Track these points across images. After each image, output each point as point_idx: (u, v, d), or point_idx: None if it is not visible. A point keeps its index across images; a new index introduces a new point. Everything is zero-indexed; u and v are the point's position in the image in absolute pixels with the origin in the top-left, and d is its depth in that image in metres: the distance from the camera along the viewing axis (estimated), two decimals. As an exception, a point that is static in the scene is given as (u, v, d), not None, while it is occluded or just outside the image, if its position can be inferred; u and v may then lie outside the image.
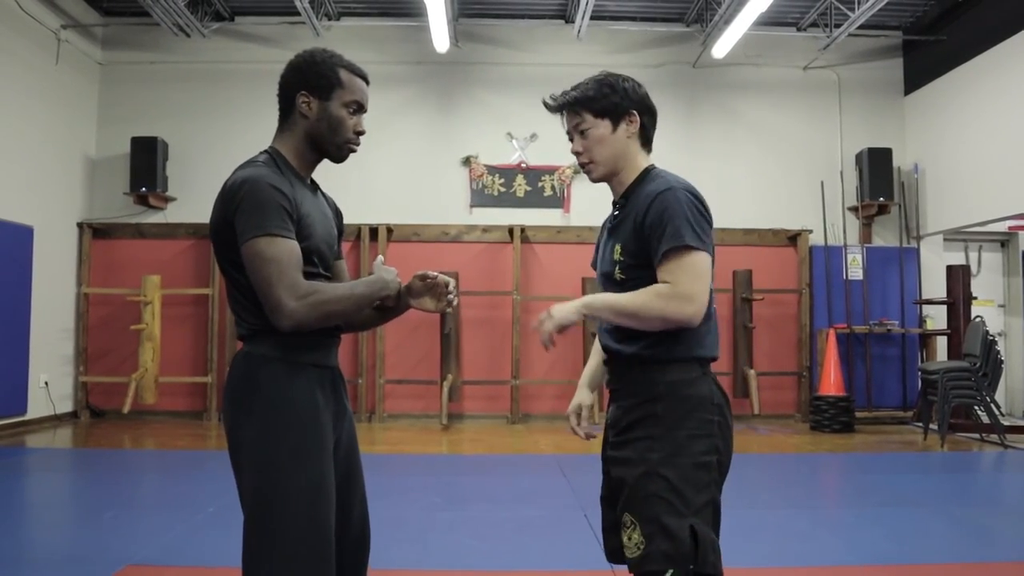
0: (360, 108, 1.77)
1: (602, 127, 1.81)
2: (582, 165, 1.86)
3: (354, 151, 1.81)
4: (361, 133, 1.79)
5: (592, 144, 1.82)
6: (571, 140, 1.87)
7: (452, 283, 1.84)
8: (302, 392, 1.67)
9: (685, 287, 1.67)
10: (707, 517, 1.68)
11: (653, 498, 1.66)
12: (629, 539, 1.67)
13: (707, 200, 1.80)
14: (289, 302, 1.57)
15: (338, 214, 1.93)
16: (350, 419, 1.84)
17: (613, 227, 1.85)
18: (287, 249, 1.60)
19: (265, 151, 1.76)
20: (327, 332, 1.75)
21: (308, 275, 1.66)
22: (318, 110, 1.74)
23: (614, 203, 1.88)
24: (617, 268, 1.79)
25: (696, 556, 1.63)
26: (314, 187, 1.84)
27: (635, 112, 1.82)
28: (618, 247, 1.79)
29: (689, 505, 1.66)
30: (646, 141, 1.86)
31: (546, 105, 1.89)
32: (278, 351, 1.67)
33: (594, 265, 1.97)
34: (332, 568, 1.65)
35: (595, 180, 1.87)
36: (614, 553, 1.79)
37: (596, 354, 2.01)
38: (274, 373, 1.67)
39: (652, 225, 1.71)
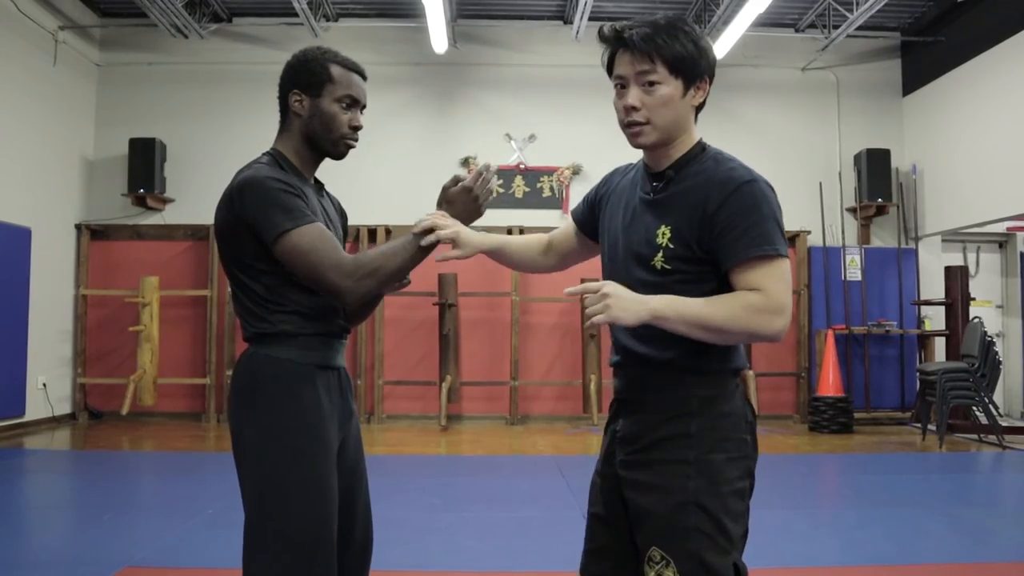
0: (354, 102, 1.76)
1: (673, 86, 1.50)
2: (630, 124, 1.52)
3: (352, 146, 1.79)
4: (357, 128, 1.77)
5: (656, 103, 1.49)
6: (621, 87, 1.53)
7: (490, 168, 1.78)
8: (306, 393, 1.67)
9: (778, 299, 1.43)
10: (743, 548, 1.51)
11: (693, 533, 1.44)
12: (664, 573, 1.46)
13: None
14: (343, 282, 1.58)
15: (343, 215, 1.93)
16: (356, 420, 1.83)
17: (653, 202, 1.55)
18: (317, 234, 1.60)
19: (267, 153, 1.77)
20: (334, 332, 1.74)
21: None
22: (310, 107, 1.73)
23: (651, 173, 1.58)
24: (661, 255, 1.50)
25: None
26: (319, 187, 1.85)
27: (708, 79, 1.54)
28: (665, 229, 1.50)
29: (731, 540, 1.46)
30: (698, 113, 1.59)
31: (601, 35, 1.54)
32: (283, 352, 1.67)
33: (609, 239, 1.65)
34: (333, 569, 1.64)
35: (639, 146, 1.55)
36: None
37: (523, 241, 1.85)
38: (279, 374, 1.66)
39: (733, 220, 1.44)
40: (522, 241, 1.89)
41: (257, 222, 1.61)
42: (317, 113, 1.73)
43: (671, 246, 1.49)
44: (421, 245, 1.67)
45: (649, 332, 1.48)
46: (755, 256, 1.44)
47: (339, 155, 1.79)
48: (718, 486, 1.46)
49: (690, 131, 1.56)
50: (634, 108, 1.51)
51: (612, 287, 1.45)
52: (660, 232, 1.51)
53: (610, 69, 1.57)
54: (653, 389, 1.53)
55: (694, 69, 1.51)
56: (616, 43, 1.52)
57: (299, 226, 1.59)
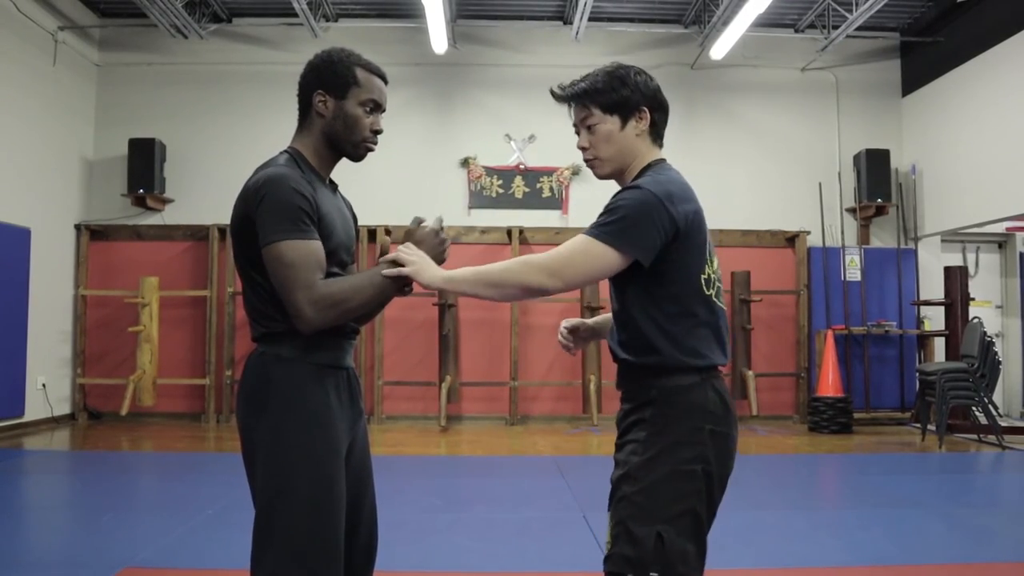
0: (377, 106, 1.78)
1: (610, 123, 1.75)
2: (587, 161, 1.81)
3: (371, 149, 1.81)
4: (378, 132, 1.79)
5: (599, 140, 1.76)
6: (577, 133, 1.82)
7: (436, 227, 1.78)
8: (316, 394, 1.67)
9: (557, 259, 1.64)
10: (683, 527, 1.62)
11: (625, 501, 1.64)
12: (607, 538, 1.68)
13: (703, 201, 1.73)
14: (306, 307, 1.59)
15: (354, 217, 1.93)
16: (364, 422, 1.84)
17: None
18: (306, 251, 1.60)
19: (285, 151, 1.76)
20: (344, 332, 1.75)
21: (328, 275, 1.66)
22: (334, 109, 1.74)
23: None
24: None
25: (661, 564, 1.58)
26: (333, 187, 1.86)
27: (645, 108, 1.75)
28: None
29: (659, 512, 1.61)
30: (657, 137, 1.80)
31: (553, 94, 1.81)
32: (294, 352, 1.67)
33: None
34: (340, 570, 1.65)
35: (601, 177, 1.82)
36: None
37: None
38: (289, 374, 1.66)
39: (604, 210, 1.69)
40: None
41: (258, 222, 1.62)
42: (341, 115, 1.74)
43: None
44: (383, 274, 1.67)
45: (620, 339, 1.74)
46: (586, 233, 1.65)
47: (358, 157, 1.81)
48: (658, 462, 1.64)
49: (642, 156, 1.78)
50: (584, 148, 1.79)
51: (423, 255, 1.70)
52: None
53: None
54: (626, 384, 1.78)
55: (626, 105, 1.75)
56: (563, 100, 1.81)
57: (289, 239, 1.60)
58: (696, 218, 1.69)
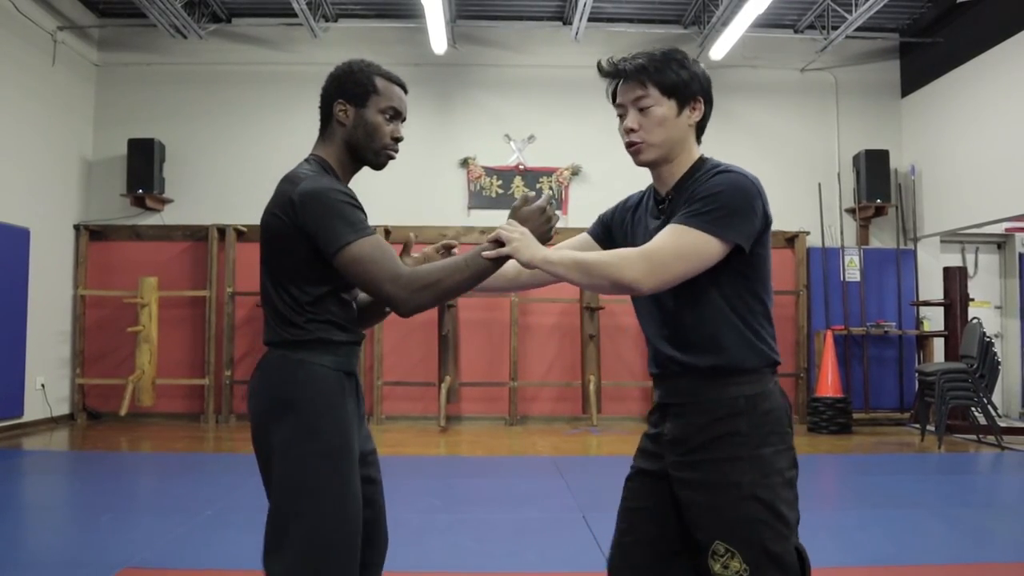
0: (396, 114, 1.81)
1: (666, 107, 1.63)
2: (631, 144, 1.66)
3: (392, 157, 1.84)
4: (399, 139, 1.82)
5: (651, 124, 1.63)
6: (621, 116, 1.68)
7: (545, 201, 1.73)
8: (335, 397, 1.71)
9: (650, 253, 1.53)
10: (797, 535, 1.59)
11: (755, 524, 1.53)
12: (725, 567, 1.53)
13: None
14: (400, 293, 1.62)
15: None
16: (366, 424, 1.90)
17: (662, 224, 1.65)
18: (378, 244, 1.65)
19: (311, 160, 1.80)
20: (357, 341, 1.79)
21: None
22: (354, 117, 1.78)
23: (658, 195, 1.72)
24: None
25: None
26: None
27: (701, 99, 1.66)
28: None
29: (789, 526, 1.55)
30: (700, 132, 1.70)
31: (600, 69, 1.68)
32: (317, 358, 1.70)
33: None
34: (356, 570, 1.68)
35: (642, 163, 1.68)
36: (636, 569, 1.69)
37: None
38: (313, 379, 1.69)
39: (694, 197, 1.57)
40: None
41: (320, 233, 1.64)
42: (361, 123, 1.78)
43: None
44: (484, 255, 1.66)
45: (688, 340, 1.60)
46: (676, 222, 1.55)
47: (380, 165, 1.84)
48: (770, 477, 1.55)
49: (689, 150, 1.68)
50: (632, 130, 1.65)
51: (527, 231, 1.62)
52: None
53: (614, 99, 1.71)
54: (699, 393, 1.61)
55: (686, 91, 1.64)
56: (614, 75, 1.67)
57: (360, 238, 1.63)
58: (770, 217, 1.64)
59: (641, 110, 1.64)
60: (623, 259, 1.54)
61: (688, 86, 1.64)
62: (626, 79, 1.65)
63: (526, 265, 1.61)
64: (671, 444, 1.63)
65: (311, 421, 1.67)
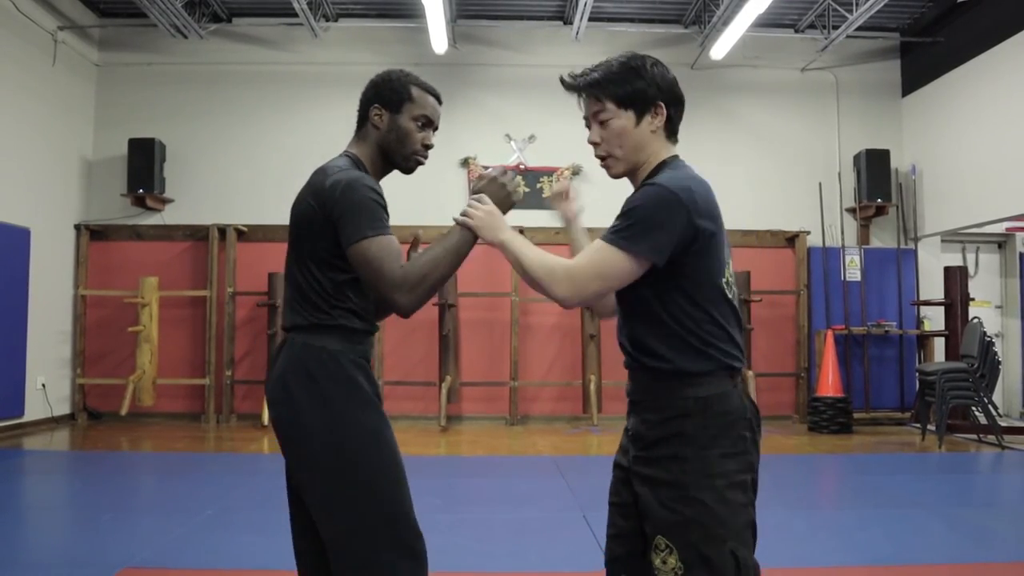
0: (428, 123, 1.89)
1: (624, 119, 1.65)
2: (600, 158, 1.71)
3: (421, 163, 1.92)
4: (429, 147, 1.90)
5: (612, 136, 1.67)
6: (588, 127, 1.71)
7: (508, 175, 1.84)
8: (365, 383, 1.80)
9: (576, 270, 1.58)
10: (746, 540, 1.58)
11: (691, 524, 1.54)
12: (664, 563, 1.56)
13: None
14: (400, 296, 1.69)
15: None
16: None
17: None
18: (387, 246, 1.71)
19: (347, 156, 1.86)
20: (373, 330, 1.87)
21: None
22: (388, 122, 1.86)
23: None
24: None
25: None
26: None
27: (662, 103, 1.66)
28: None
29: (728, 529, 1.55)
30: (672, 132, 1.71)
31: (563, 83, 1.72)
32: (339, 344, 1.77)
33: None
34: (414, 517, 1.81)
35: (614, 176, 1.72)
36: (616, 562, 1.71)
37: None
38: (341, 364, 1.76)
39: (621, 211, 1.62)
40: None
41: (343, 221, 1.71)
42: (394, 128, 1.86)
43: None
44: (454, 219, 1.75)
45: (639, 341, 1.64)
46: (601, 238, 1.59)
47: (409, 170, 1.92)
48: (713, 479, 1.55)
49: (655, 153, 1.69)
50: (595, 143, 1.69)
51: (493, 207, 1.72)
52: None
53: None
54: (653, 391, 1.64)
55: (643, 99, 1.65)
56: (573, 90, 1.71)
57: (377, 235, 1.71)
58: (716, 238, 1.61)
59: (601, 123, 1.67)
60: (552, 274, 1.60)
61: (644, 94, 1.64)
62: (582, 94, 1.69)
63: (488, 243, 1.69)
64: (633, 439, 1.68)
65: (344, 407, 1.75)
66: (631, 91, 1.64)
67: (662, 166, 1.67)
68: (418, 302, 1.71)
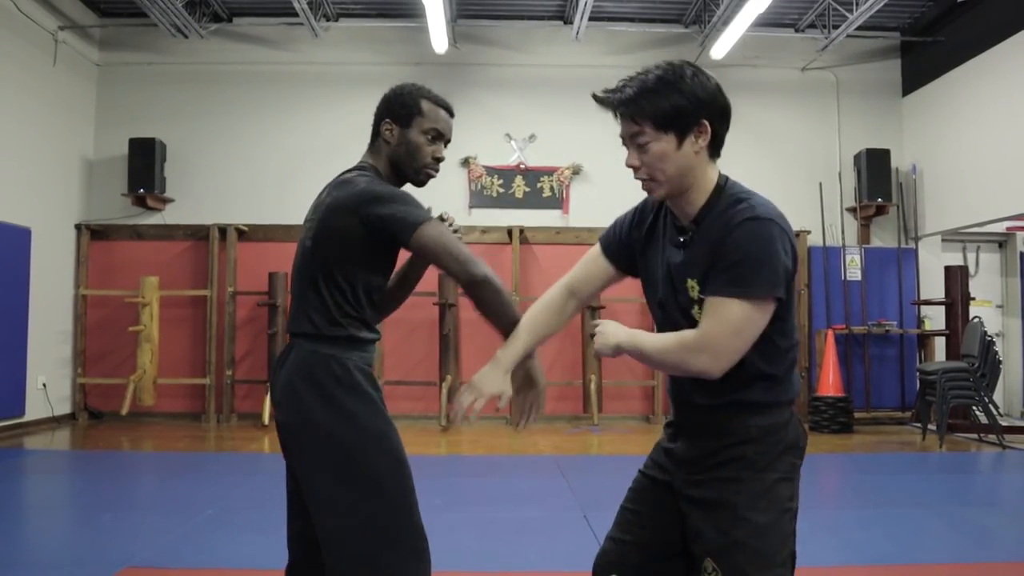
0: (439, 136, 1.90)
1: (664, 142, 1.50)
2: (640, 180, 1.57)
3: (432, 176, 1.93)
4: (439, 160, 1.92)
5: (652, 160, 1.52)
6: (625, 146, 1.57)
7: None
8: (372, 389, 1.83)
9: (707, 339, 1.49)
10: (790, 569, 1.56)
11: (741, 546, 1.51)
12: None
13: None
14: (471, 268, 1.75)
15: None
16: None
17: (683, 259, 1.58)
18: (437, 225, 1.78)
19: (363, 167, 1.88)
20: (376, 339, 1.90)
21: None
22: (399, 136, 1.88)
23: (679, 227, 1.61)
24: (696, 307, 1.55)
25: None
26: None
27: (705, 121, 1.51)
28: (693, 283, 1.54)
29: (775, 556, 1.53)
30: (717, 148, 1.56)
31: (596, 99, 1.57)
32: (349, 354, 1.80)
33: (650, 288, 1.68)
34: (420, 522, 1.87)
35: (658, 199, 1.61)
36: (618, 566, 1.71)
37: (529, 333, 1.89)
38: (351, 372, 1.79)
39: (724, 255, 1.48)
40: (542, 317, 1.88)
41: (393, 220, 1.74)
42: (404, 142, 1.88)
43: (702, 296, 1.53)
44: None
45: (710, 384, 1.54)
46: (717, 295, 1.48)
47: (420, 183, 1.93)
48: (767, 502, 1.53)
49: (705, 175, 1.55)
50: (634, 167, 1.56)
51: (604, 325, 1.65)
52: (689, 285, 1.55)
53: None
54: (714, 422, 1.59)
55: (684, 120, 1.50)
56: (605, 106, 1.56)
57: (432, 219, 1.78)
58: (796, 247, 1.56)
59: (639, 146, 1.52)
60: (687, 351, 1.52)
61: (684, 114, 1.49)
62: (619, 112, 1.54)
63: (611, 355, 1.65)
64: (680, 464, 1.63)
65: (355, 410, 1.77)
66: (669, 110, 1.48)
67: (722, 191, 1.55)
68: (494, 279, 1.77)
